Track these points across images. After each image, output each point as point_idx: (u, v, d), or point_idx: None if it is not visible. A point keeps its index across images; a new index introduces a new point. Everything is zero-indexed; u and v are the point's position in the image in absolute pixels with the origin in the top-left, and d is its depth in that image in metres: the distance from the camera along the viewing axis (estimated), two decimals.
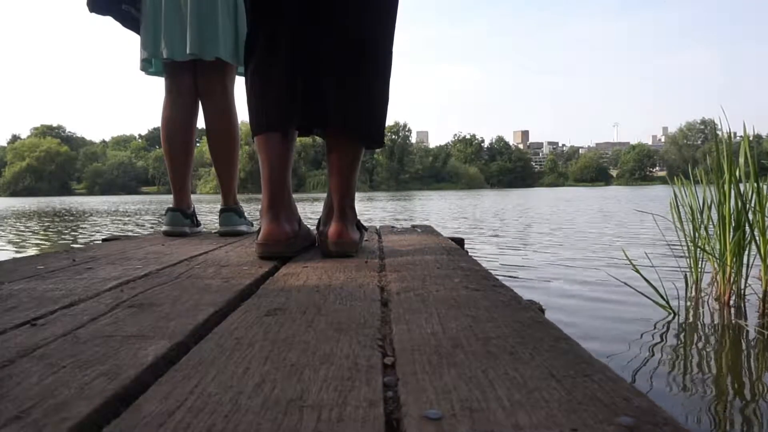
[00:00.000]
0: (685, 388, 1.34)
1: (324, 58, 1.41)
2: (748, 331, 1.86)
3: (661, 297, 2.09)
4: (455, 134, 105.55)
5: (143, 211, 13.93)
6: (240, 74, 2.16)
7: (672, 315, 2.04)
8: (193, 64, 2.09)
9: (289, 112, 1.43)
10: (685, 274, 2.32)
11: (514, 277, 2.86)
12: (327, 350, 0.59)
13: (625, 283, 2.27)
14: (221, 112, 2.13)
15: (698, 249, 2.37)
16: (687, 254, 2.46)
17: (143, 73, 2.21)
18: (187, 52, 2.02)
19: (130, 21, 2.14)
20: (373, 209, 12.53)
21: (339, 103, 1.41)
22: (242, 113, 1.89)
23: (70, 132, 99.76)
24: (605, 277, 2.72)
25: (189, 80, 2.12)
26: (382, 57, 1.44)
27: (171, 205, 2.18)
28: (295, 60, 1.42)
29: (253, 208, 9.11)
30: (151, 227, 7.42)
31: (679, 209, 2.48)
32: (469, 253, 1.62)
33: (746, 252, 2.24)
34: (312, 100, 1.42)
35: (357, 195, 1.51)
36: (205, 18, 2.01)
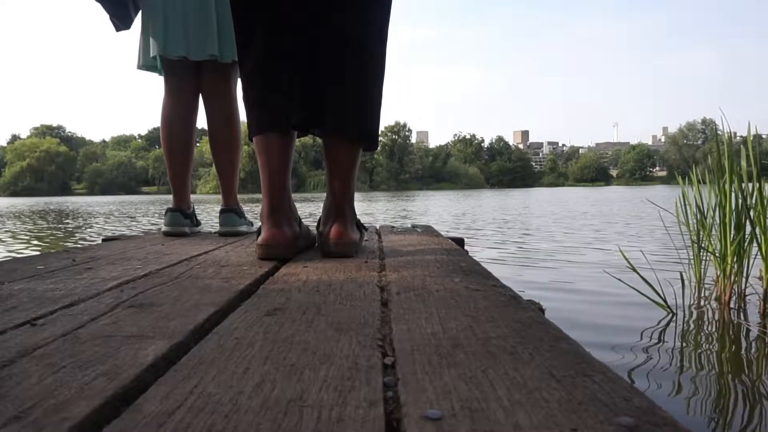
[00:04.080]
0: (685, 388, 1.34)
1: (320, 58, 1.41)
2: (749, 331, 1.86)
3: (660, 297, 2.09)
4: (455, 134, 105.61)
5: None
6: None
7: (673, 315, 2.04)
8: (198, 64, 2.08)
9: (288, 112, 1.43)
10: (681, 274, 2.31)
11: (514, 276, 2.86)
12: (327, 350, 0.59)
13: (628, 284, 2.26)
14: (225, 112, 2.12)
15: (701, 249, 2.36)
16: (689, 255, 2.45)
17: (137, 67, 2.17)
18: (209, 53, 2.01)
19: (121, 11, 2.08)
20: (371, 210, 12.52)
21: (334, 104, 1.41)
22: (243, 113, 1.88)
23: (70, 132, 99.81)
24: (607, 277, 2.72)
25: (191, 80, 2.11)
26: (377, 57, 1.44)
27: (171, 206, 2.18)
28: (293, 59, 1.42)
29: (253, 209, 9.08)
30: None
31: (686, 208, 2.47)
32: (469, 253, 1.62)
33: (747, 252, 2.23)
34: (309, 99, 1.42)
35: (357, 195, 1.51)
36: (227, 19, 2.01)
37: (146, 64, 2.12)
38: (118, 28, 2.13)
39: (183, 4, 2.01)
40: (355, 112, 1.42)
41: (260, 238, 1.41)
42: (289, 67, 1.41)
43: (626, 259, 2.29)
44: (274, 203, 1.42)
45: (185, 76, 2.09)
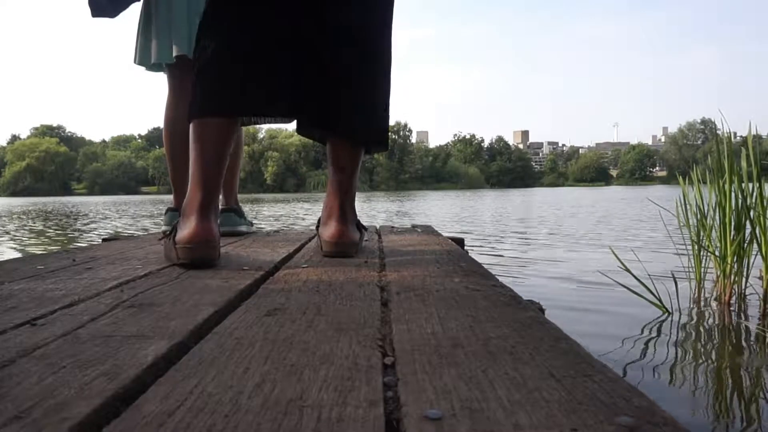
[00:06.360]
0: (685, 387, 1.34)
1: (322, 58, 1.39)
2: (749, 331, 1.86)
3: (655, 297, 2.09)
4: (455, 134, 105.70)
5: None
6: None
7: (673, 316, 2.04)
8: None
9: (282, 96, 1.34)
10: (673, 275, 2.31)
11: (514, 277, 2.86)
12: (327, 350, 0.59)
13: (627, 287, 2.26)
14: None
15: (701, 249, 2.36)
16: (689, 255, 2.45)
17: (136, 63, 2.13)
18: None
19: (112, 4, 1.99)
20: (371, 210, 12.52)
21: (344, 107, 1.39)
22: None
23: (70, 132, 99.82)
24: (607, 279, 2.71)
25: None
26: (380, 55, 1.42)
27: (171, 205, 2.18)
28: (294, 59, 1.39)
29: (251, 209, 9.04)
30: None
31: (686, 208, 2.47)
32: (469, 253, 1.62)
33: (747, 252, 2.23)
34: (314, 101, 1.40)
35: (357, 195, 1.51)
36: None
37: (160, 61, 2.06)
38: (96, 13, 1.98)
39: None
40: (366, 116, 1.40)
41: (184, 235, 1.22)
42: (296, 60, 1.35)
43: (620, 260, 2.28)
44: (210, 194, 1.28)
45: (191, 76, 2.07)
